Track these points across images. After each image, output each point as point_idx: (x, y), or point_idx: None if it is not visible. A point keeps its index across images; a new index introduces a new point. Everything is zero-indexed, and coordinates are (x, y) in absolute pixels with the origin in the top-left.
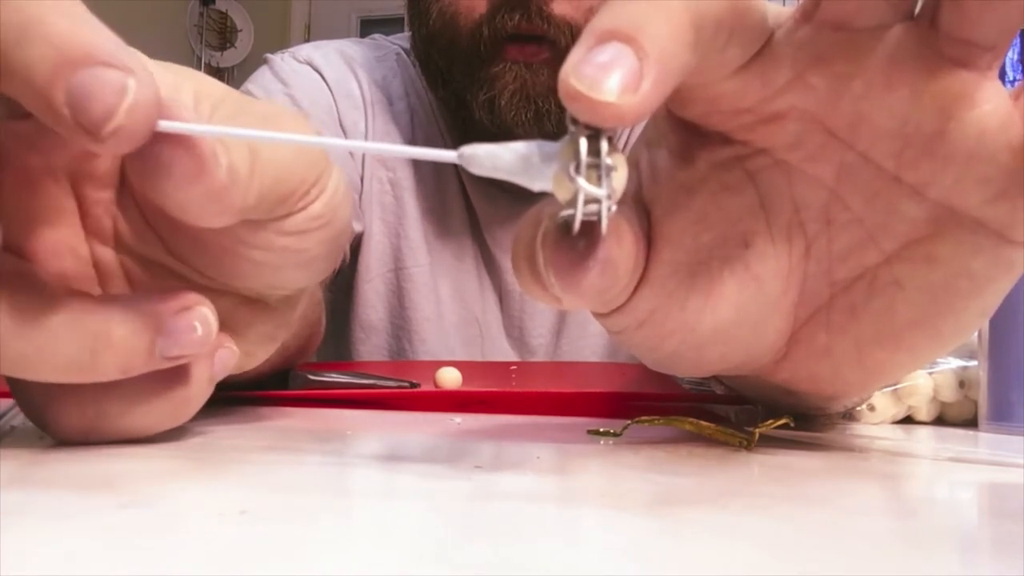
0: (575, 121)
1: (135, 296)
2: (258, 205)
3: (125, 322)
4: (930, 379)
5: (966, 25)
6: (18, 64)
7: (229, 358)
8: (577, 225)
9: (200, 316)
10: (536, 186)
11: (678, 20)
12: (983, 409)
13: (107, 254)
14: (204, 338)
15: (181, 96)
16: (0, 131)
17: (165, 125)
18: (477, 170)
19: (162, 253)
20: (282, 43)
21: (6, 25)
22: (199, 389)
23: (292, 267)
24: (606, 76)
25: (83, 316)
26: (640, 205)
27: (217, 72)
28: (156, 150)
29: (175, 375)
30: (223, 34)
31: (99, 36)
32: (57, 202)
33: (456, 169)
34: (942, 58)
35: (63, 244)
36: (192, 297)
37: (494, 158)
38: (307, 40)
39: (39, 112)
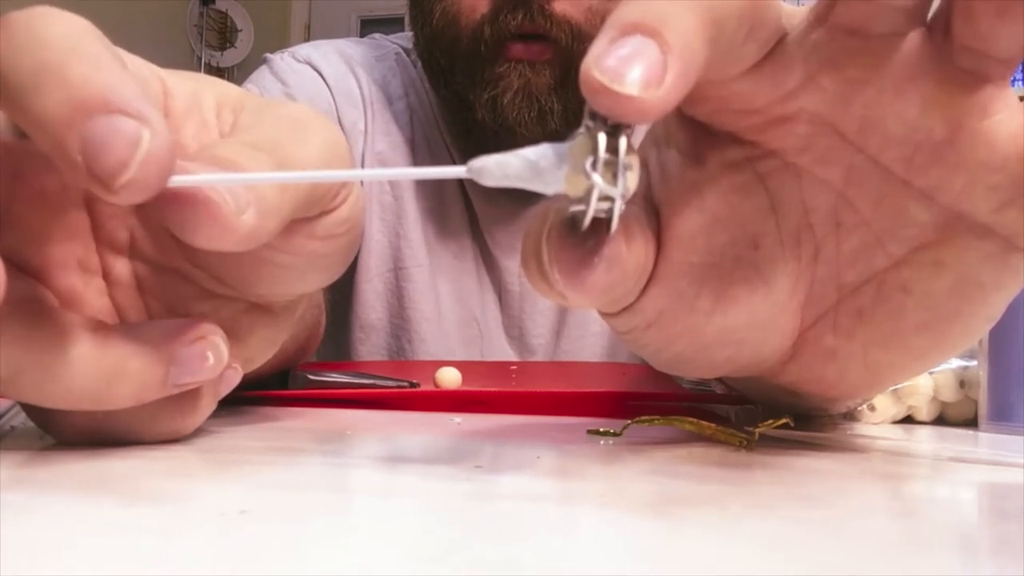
0: (593, 116)
1: (149, 325)
2: (294, 214)
3: (140, 355)
4: (930, 379)
5: (979, 38)
6: (36, 110)
7: (235, 377)
8: (587, 222)
9: (212, 345)
10: (550, 190)
11: (701, 15)
12: (983, 409)
13: (120, 263)
14: (215, 366)
15: (202, 102)
16: (12, 149)
17: (177, 180)
18: (488, 181)
19: (180, 260)
20: (282, 43)
21: (25, 71)
22: (206, 403)
23: (314, 272)
24: (629, 69)
25: (99, 350)
26: (650, 204)
27: (217, 72)
28: (175, 211)
29: (183, 392)
30: (223, 34)
31: (117, 82)
32: (67, 217)
33: None
34: (954, 67)
35: (71, 258)
36: (205, 327)
37: (504, 167)
38: (307, 40)
39: (54, 158)
